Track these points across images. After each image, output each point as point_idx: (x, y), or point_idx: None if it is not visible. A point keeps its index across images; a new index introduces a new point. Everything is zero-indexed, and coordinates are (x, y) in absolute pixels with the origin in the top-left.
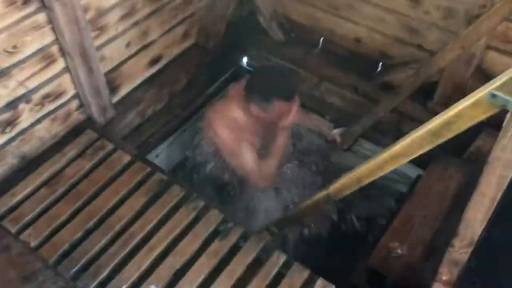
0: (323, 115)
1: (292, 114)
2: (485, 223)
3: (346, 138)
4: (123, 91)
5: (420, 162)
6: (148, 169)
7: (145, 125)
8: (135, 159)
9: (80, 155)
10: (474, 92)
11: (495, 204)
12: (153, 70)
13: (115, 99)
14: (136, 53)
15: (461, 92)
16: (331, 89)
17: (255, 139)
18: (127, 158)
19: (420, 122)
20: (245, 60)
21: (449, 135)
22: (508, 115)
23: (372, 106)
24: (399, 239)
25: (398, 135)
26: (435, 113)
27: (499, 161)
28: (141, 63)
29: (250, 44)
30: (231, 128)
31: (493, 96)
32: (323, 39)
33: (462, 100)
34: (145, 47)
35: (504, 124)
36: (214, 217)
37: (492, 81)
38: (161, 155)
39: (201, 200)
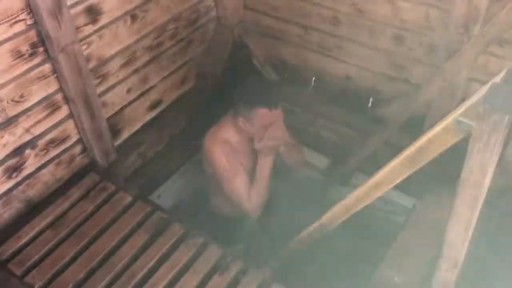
0: (319, 150)
1: (274, 127)
2: (466, 242)
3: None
4: (124, 135)
5: (415, 192)
6: (149, 209)
7: (146, 166)
8: (136, 199)
9: (83, 197)
10: (443, 119)
11: (473, 223)
12: (154, 113)
13: (117, 142)
14: (137, 98)
15: None
16: (325, 125)
17: (248, 160)
18: (128, 199)
19: None
20: None
21: (424, 160)
22: (471, 139)
23: (366, 139)
24: (395, 268)
25: None
26: None
27: (468, 182)
28: (142, 107)
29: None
30: (226, 152)
31: (459, 122)
32: (315, 78)
33: (433, 128)
34: (145, 92)
35: (469, 147)
36: (213, 253)
37: (457, 108)
38: (163, 194)
39: (201, 236)
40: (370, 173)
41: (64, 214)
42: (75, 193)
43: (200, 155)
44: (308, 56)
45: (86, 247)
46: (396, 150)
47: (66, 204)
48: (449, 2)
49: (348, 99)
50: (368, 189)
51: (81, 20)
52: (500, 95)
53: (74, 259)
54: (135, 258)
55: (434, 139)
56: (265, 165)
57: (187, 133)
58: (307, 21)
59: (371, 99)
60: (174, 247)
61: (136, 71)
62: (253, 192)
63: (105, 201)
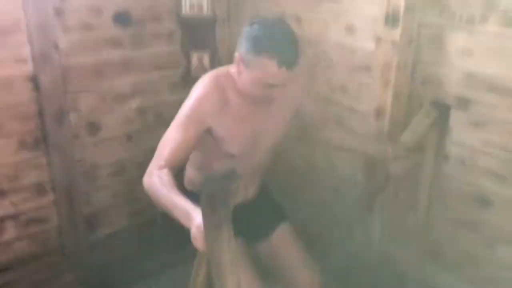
0: None
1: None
2: None
3: None
4: (102, 233)
5: None
6: None
7: (113, 266)
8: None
9: (37, 272)
10: None
11: None
12: (134, 221)
13: (93, 237)
14: (122, 204)
15: None
16: None
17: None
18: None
19: None
20: None
21: None
22: None
23: None
24: None
25: None
26: None
27: None
28: (123, 213)
29: None
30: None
31: None
32: None
33: None
34: (130, 200)
35: None
36: None
37: None
38: None
39: None
40: None
41: (14, 280)
42: (33, 266)
43: None
44: None
45: None
46: None
47: (21, 272)
48: None
49: None
50: None
51: (81, 131)
52: (213, 183)
53: None
54: None
55: None
56: (184, 220)
57: (166, 243)
58: None
59: None
60: None
61: (124, 181)
62: (164, 174)
63: (54, 278)
